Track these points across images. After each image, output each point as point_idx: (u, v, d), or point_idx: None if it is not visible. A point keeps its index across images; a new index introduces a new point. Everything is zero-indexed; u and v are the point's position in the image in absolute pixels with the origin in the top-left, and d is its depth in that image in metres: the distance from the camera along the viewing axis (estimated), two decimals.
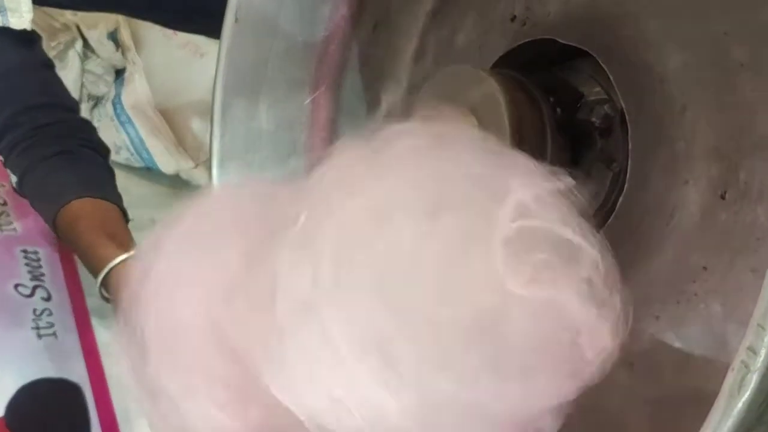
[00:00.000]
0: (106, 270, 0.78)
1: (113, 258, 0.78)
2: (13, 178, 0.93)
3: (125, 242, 0.83)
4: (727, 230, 0.47)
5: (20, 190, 0.93)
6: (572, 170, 0.55)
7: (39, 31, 1.06)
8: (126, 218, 0.89)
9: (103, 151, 0.95)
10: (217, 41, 0.70)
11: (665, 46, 0.49)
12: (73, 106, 0.97)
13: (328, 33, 0.71)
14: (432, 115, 0.52)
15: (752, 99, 0.45)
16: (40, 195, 0.90)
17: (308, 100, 0.73)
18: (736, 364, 0.33)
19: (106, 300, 0.80)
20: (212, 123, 0.70)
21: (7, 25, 0.84)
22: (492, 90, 0.52)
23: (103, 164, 0.94)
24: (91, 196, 0.86)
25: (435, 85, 0.56)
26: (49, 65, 0.95)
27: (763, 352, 0.32)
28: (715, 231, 0.47)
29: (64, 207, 0.85)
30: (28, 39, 0.89)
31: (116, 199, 0.90)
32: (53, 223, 0.88)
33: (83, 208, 0.86)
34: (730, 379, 0.33)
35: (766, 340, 0.32)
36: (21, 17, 0.84)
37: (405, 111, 0.68)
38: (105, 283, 0.79)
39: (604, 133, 0.55)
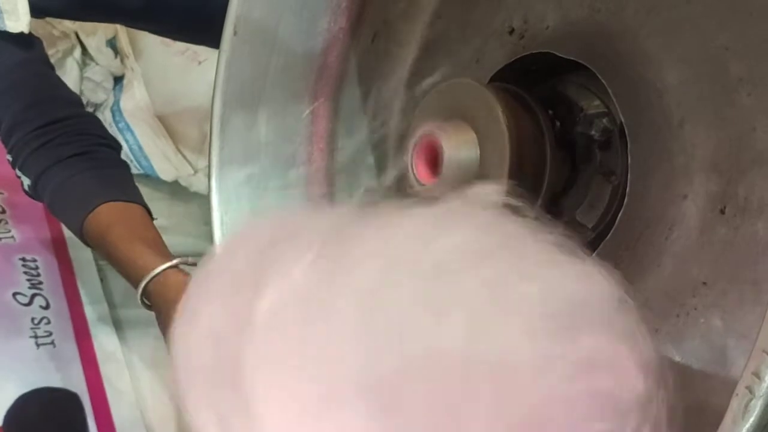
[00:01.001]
0: (147, 279, 0.77)
1: (153, 267, 0.77)
2: (26, 181, 0.89)
3: (159, 246, 0.81)
4: (727, 245, 0.47)
5: (35, 194, 0.90)
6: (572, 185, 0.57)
7: None
8: (151, 216, 0.88)
9: (117, 146, 0.93)
10: (215, 48, 0.70)
11: (664, 61, 0.49)
12: (79, 100, 0.95)
13: (327, 45, 0.71)
14: (432, 129, 0.52)
15: (751, 114, 0.45)
16: (62, 201, 0.87)
17: (307, 112, 0.73)
18: (740, 389, 0.33)
19: (148, 308, 0.79)
20: (211, 135, 0.70)
21: (3, 29, 0.82)
22: (491, 104, 0.52)
23: (121, 162, 0.92)
24: (117, 200, 0.84)
25: (434, 98, 0.56)
26: (51, 65, 0.94)
27: (767, 378, 0.32)
28: (714, 245, 0.47)
29: (91, 213, 0.83)
30: (27, 41, 0.88)
31: (140, 198, 0.88)
32: (80, 232, 0.86)
33: (112, 214, 0.83)
34: (734, 404, 0.33)
35: None
36: (18, 20, 0.82)
37: (404, 123, 0.68)
38: (146, 293, 0.78)
39: (603, 146, 0.55)
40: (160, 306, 0.76)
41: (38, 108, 0.87)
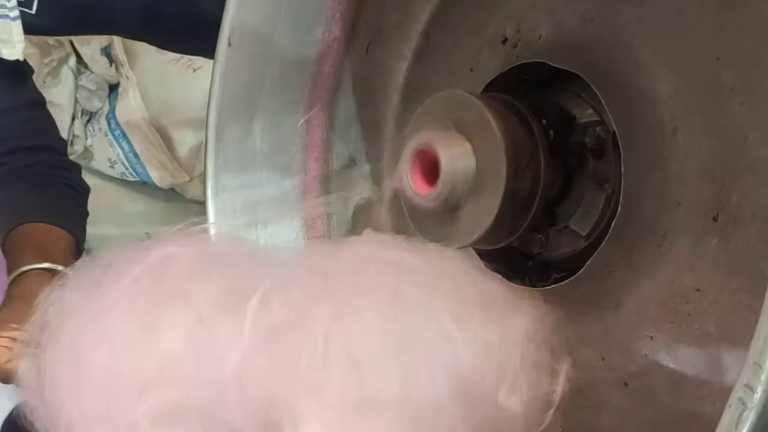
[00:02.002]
0: (16, 273, 0.75)
1: (27, 265, 0.75)
2: None
3: (54, 259, 0.79)
4: (720, 252, 0.47)
5: None
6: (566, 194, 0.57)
7: (32, 47, 1.06)
8: (80, 251, 0.87)
9: (82, 191, 0.94)
10: (210, 59, 0.70)
11: (657, 71, 0.50)
12: (62, 148, 0.96)
13: (322, 54, 0.71)
14: (428, 140, 0.53)
15: (743, 122, 0.46)
16: (2, 215, 0.88)
17: (302, 121, 0.73)
18: (733, 401, 0.33)
19: None
20: (207, 145, 0.70)
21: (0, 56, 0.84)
22: (485, 115, 0.52)
23: (76, 202, 0.93)
24: (49, 223, 0.84)
25: (429, 109, 0.56)
26: (39, 103, 0.94)
27: (759, 390, 0.33)
28: (707, 253, 0.48)
29: (18, 227, 0.83)
30: (19, 74, 0.89)
31: (77, 232, 0.88)
32: (3, 242, 0.85)
33: (34, 229, 0.83)
34: (728, 416, 0.34)
35: (762, 378, 0.33)
36: (13, 47, 0.84)
37: (399, 133, 0.68)
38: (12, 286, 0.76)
39: (596, 154, 0.55)
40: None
41: (15, 155, 0.89)
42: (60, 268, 0.74)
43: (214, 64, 0.68)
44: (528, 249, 0.60)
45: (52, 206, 0.88)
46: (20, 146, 0.90)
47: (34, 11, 0.86)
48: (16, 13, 0.82)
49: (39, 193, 0.89)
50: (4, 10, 0.81)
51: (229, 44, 0.67)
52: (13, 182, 0.89)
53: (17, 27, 0.82)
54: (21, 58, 0.85)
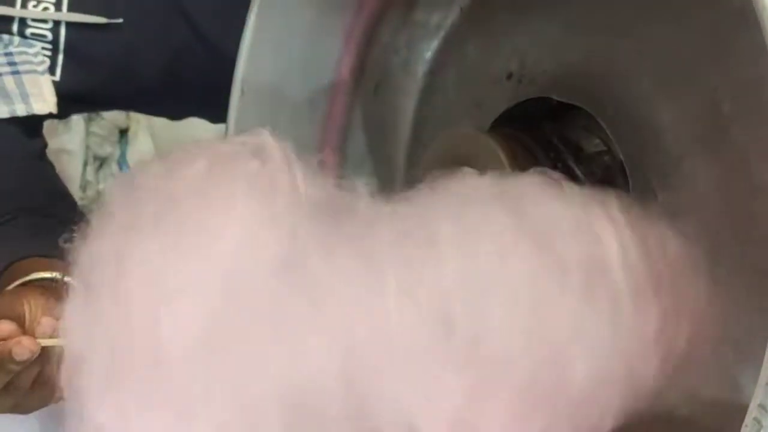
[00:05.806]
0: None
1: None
2: None
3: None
4: (732, 275, 0.48)
5: None
6: None
7: None
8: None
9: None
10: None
11: (658, 101, 0.51)
12: (60, 192, 0.89)
13: (331, 97, 0.72)
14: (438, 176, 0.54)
15: (745, 148, 0.47)
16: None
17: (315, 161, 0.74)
18: (748, 421, 0.34)
19: None
20: None
21: (32, 113, 0.82)
22: (495, 151, 0.53)
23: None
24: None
25: (438, 147, 0.57)
26: (41, 156, 0.89)
27: None
28: (720, 277, 0.48)
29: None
30: (34, 128, 0.87)
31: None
32: None
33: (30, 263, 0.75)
34: None
35: None
36: (44, 101, 0.81)
37: (409, 168, 0.70)
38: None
39: (605, 182, 0.56)
40: None
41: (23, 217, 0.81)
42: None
43: (228, 112, 0.70)
44: None
45: (42, 239, 0.77)
46: (27, 207, 0.82)
47: (58, 77, 0.85)
48: (44, 67, 0.81)
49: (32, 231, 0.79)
50: (31, 65, 0.81)
51: (242, 93, 0.68)
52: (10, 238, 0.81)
53: (47, 81, 0.81)
54: (54, 111, 0.82)
